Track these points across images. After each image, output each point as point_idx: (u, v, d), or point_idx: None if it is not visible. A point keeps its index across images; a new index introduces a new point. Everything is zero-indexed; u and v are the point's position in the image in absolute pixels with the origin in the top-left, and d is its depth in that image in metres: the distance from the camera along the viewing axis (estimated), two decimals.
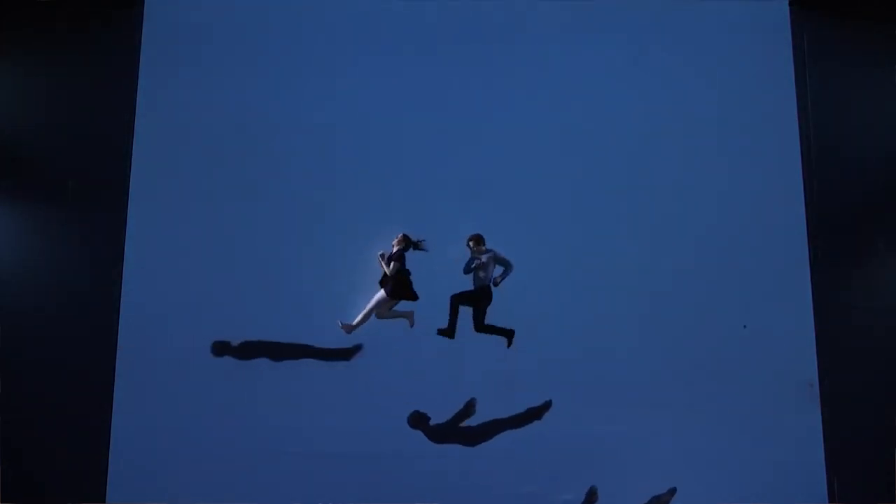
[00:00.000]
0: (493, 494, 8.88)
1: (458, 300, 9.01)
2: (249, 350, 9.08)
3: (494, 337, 9.07)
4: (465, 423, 9.01)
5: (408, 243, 9.09)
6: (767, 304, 9.20)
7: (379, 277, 9.07)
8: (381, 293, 9.02)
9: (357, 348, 9.10)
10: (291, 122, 9.50)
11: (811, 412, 9.00)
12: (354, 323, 9.01)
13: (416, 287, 9.05)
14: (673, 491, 8.87)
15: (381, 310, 9.03)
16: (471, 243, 9.04)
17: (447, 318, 8.99)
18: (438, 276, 9.10)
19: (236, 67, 9.58)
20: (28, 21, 9.47)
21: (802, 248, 9.30)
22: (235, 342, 9.09)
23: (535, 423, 8.99)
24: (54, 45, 9.49)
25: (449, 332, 9.00)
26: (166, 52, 9.59)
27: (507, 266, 9.02)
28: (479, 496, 8.85)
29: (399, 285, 9.00)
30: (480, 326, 9.01)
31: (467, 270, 9.02)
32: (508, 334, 9.06)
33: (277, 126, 9.49)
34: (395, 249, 9.05)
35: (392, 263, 8.98)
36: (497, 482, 8.90)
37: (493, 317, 9.07)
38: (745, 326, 9.18)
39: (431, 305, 9.05)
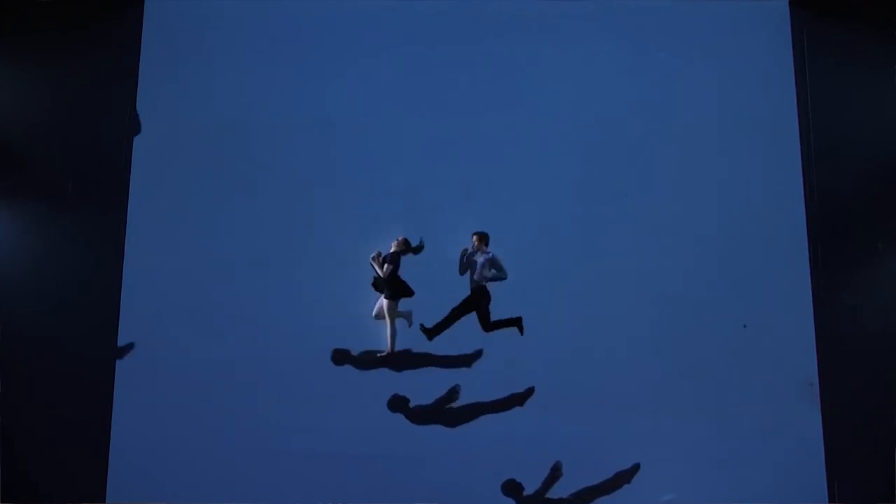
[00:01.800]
0: (494, 494, 8.87)
1: (459, 312, 9.03)
2: (249, 349, 9.08)
3: (494, 337, 9.08)
4: (465, 424, 9.01)
5: (406, 247, 9.12)
6: (767, 304, 9.20)
7: (371, 280, 9.12)
8: (383, 300, 9.05)
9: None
10: (291, 121, 9.51)
11: (811, 412, 9.00)
12: (389, 346, 9.06)
13: (416, 287, 9.09)
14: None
15: (389, 313, 9.06)
16: (475, 238, 9.06)
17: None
18: (438, 276, 9.13)
19: (236, 67, 9.59)
20: (28, 21, 9.47)
21: (802, 249, 9.29)
22: (235, 342, 9.09)
23: (535, 423, 8.99)
24: (54, 45, 9.49)
25: (431, 332, 9.02)
26: (166, 52, 9.60)
27: (499, 273, 9.04)
28: (480, 496, 8.85)
29: (395, 286, 9.03)
30: (488, 327, 9.03)
31: (462, 267, 9.06)
32: (517, 323, 9.07)
33: (277, 125, 9.49)
34: (392, 251, 9.09)
35: (386, 266, 9.02)
36: (497, 482, 8.90)
37: (492, 316, 9.10)
38: (745, 326, 9.17)
39: (431, 306, 9.07)
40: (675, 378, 9.05)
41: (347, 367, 9.07)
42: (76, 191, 9.28)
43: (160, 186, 9.34)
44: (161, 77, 9.54)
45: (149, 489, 8.78)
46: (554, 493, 8.89)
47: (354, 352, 9.11)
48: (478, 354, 9.07)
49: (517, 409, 9.00)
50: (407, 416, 9.00)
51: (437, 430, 8.98)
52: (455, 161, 9.43)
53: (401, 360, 9.09)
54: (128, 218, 9.26)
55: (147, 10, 9.67)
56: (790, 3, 9.74)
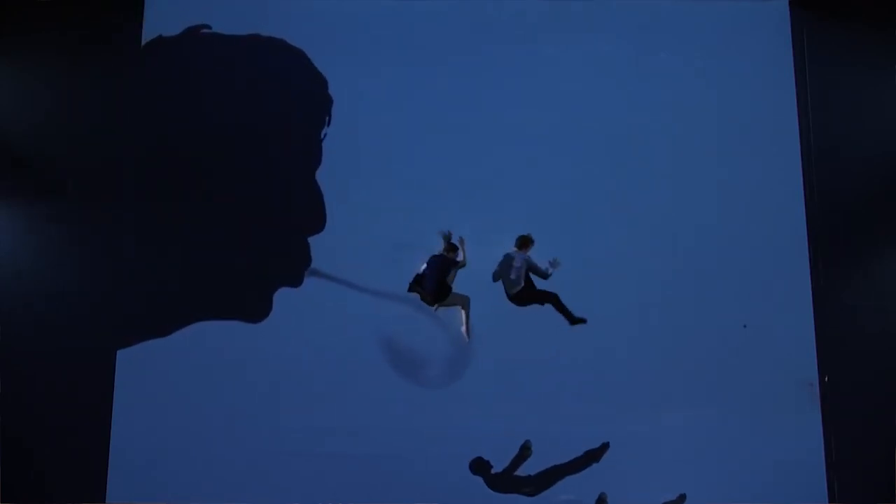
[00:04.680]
0: (493, 494, 8.87)
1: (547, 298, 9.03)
2: (249, 350, 9.07)
3: (494, 337, 9.08)
4: (465, 424, 9.00)
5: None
6: (767, 304, 9.20)
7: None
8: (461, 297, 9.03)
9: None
10: (292, 122, 9.51)
11: (811, 412, 9.01)
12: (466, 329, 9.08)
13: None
14: (682, 497, 8.87)
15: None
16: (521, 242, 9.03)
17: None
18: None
19: (237, 68, 9.59)
20: (28, 21, 9.47)
21: (802, 248, 9.30)
22: (235, 342, 9.09)
23: (535, 423, 8.99)
24: (54, 45, 9.49)
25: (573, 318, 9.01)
26: (167, 52, 9.60)
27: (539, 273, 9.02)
28: (479, 496, 8.85)
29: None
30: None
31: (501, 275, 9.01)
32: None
33: (278, 126, 9.49)
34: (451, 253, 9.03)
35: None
36: (497, 482, 8.89)
37: (493, 316, 9.11)
38: (745, 326, 9.18)
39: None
40: (674, 378, 9.05)
41: (347, 368, 9.06)
42: (76, 191, 9.28)
43: (160, 186, 9.35)
44: (161, 77, 9.54)
45: (149, 489, 8.78)
46: (555, 493, 8.88)
47: (357, 352, 9.13)
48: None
49: (517, 409, 9.00)
50: (409, 418, 9.01)
51: (437, 430, 8.97)
52: (454, 162, 9.43)
53: (405, 362, 9.09)
54: (128, 218, 9.26)
55: (147, 11, 9.66)
56: (790, 3, 9.75)
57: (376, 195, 9.35)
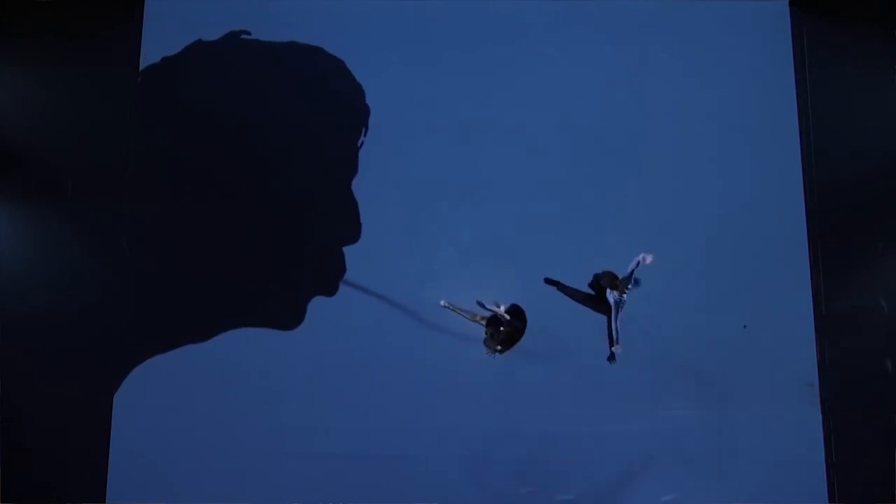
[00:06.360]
0: (493, 494, 8.88)
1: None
2: (250, 350, 9.08)
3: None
4: (464, 423, 9.00)
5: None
6: (767, 304, 9.20)
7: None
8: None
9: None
10: (293, 122, 9.51)
11: (811, 412, 9.01)
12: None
13: (418, 289, 9.11)
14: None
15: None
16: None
17: (456, 317, 9.00)
18: (438, 278, 9.13)
19: (238, 68, 9.59)
20: (28, 21, 9.48)
21: (802, 248, 9.30)
22: (236, 342, 9.09)
23: (535, 422, 8.99)
24: (54, 45, 9.50)
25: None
26: (167, 52, 9.60)
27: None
28: (479, 496, 8.86)
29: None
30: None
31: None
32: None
33: (278, 127, 9.49)
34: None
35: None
36: (496, 482, 8.90)
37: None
38: (745, 326, 9.18)
39: (435, 310, 9.07)
40: (674, 378, 9.05)
41: (346, 368, 9.07)
42: (76, 191, 9.29)
43: (160, 186, 9.35)
44: (162, 77, 9.55)
45: (149, 489, 8.78)
46: (554, 494, 8.89)
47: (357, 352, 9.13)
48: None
49: (517, 409, 9.00)
50: (407, 418, 9.01)
51: (437, 429, 8.97)
52: (453, 163, 9.43)
53: (406, 361, 9.08)
54: (128, 218, 9.26)
55: (147, 10, 9.67)
56: (790, 3, 9.75)
57: (377, 196, 9.35)
